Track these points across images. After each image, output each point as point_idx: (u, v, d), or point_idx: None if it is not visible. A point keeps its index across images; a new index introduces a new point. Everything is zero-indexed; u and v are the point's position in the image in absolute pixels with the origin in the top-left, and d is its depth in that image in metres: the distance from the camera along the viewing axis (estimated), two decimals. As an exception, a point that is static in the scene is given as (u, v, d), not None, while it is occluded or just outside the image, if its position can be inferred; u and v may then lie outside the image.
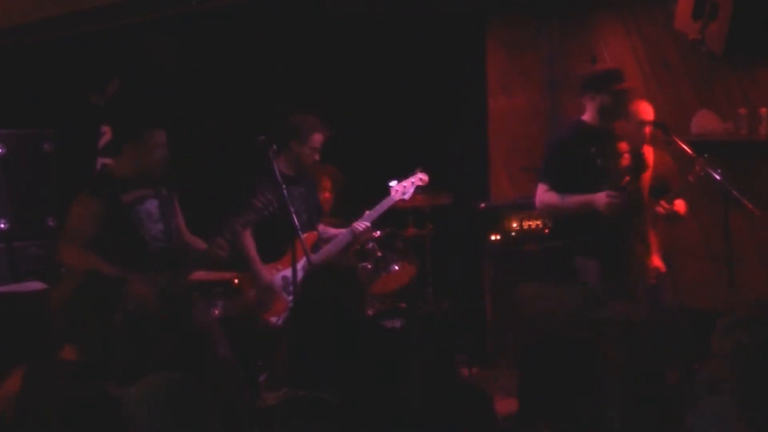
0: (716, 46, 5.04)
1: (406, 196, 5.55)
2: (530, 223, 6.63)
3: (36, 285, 5.71)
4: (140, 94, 7.05)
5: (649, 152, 5.48)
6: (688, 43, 5.59)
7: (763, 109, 6.10)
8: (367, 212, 5.60)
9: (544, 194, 4.94)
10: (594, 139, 4.98)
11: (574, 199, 4.88)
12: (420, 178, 5.59)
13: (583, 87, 5.02)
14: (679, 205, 5.40)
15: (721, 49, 4.99)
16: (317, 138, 5.38)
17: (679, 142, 5.31)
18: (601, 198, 4.79)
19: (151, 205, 4.58)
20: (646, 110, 5.41)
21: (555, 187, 4.93)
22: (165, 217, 4.61)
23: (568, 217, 4.95)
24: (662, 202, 5.30)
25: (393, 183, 5.62)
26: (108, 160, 7.07)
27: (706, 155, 5.19)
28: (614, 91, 4.95)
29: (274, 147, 5.07)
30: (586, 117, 5.05)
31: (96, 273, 4.23)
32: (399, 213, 6.21)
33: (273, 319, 5.27)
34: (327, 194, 6.15)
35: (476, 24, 7.32)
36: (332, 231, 5.69)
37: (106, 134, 7.17)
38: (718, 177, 5.04)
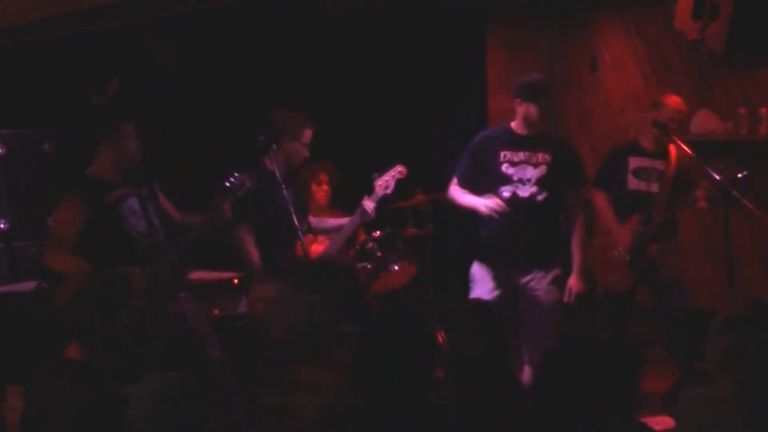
0: (716, 46, 5.04)
1: (389, 191, 5.47)
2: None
3: (36, 285, 5.71)
4: (140, 94, 7.05)
5: (673, 150, 5.42)
6: (688, 43, 5.59)
7: (763, 109, 6.10)
8: (366, 198, 5.54)
9: (451, 188, 5.14)
10: (510, 145, 5.00)
11: (467, 200, 5.05)
12: (399, 170, 5.50)
13: (515, 94, 5.05)
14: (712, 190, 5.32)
15: (721, 49, 4.99)
16: (308, 133, 5.31)
17: (679, 142, 5.30)
18: (483, 205, 4.91)
19: (133, 203, 4.61)
20: (681, 108, 5.38)
21: (463, 182, 5.11)
22: (147, 214, 4.64)
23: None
24: (703, 183, 5.22)
25: (375, 175, 5.53)
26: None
27: (733, 159, 5.17)
28: (539, 103, 4.97)
29: (274, 147, 5.05)
30: (513, 122, 5.08)
31: (101, 272, 4.23)
32: (399, 213, 6.20)
33: None
34: (325, 187, 6.14)
35: (476, 24, 7.32)
36: (330, 221, 5.61)
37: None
38: (717, 177, 5.03)
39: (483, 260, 5.10)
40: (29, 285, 5.70)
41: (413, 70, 7.04)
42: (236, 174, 4.69)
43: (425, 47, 7.01)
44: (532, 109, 4.95)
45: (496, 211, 4.86)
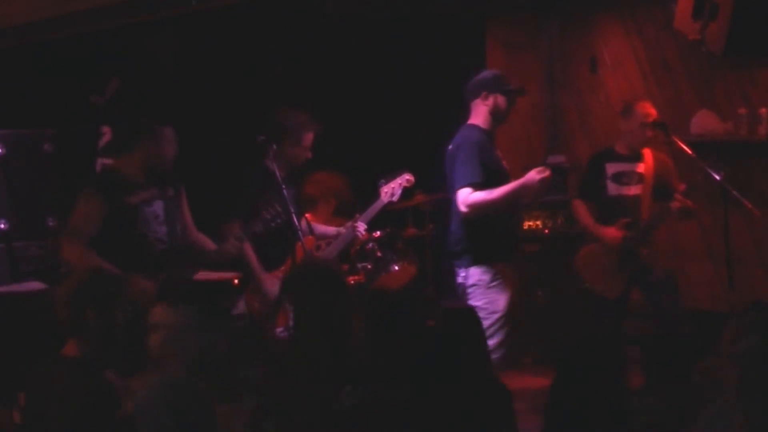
0: (716, 46, 5.04)
1: (395, 198, 5.47)
2: (530, 223, 6.63)
3: (36, 285, 5.71)
4: (140, 94, 7.05)
5: (648, 154, 5.51)
6: (688, 43, 5.59)
7: (763, 109, 6.10)
8: (357, 216, 5.56)
9: (470, 196, 4.71)
10: (492, 142, 4.97)
11: (506, 188, 4.72)
12: (407, 179, 5.50)
13: (480, 87, 4.87)
14: (689, 201, 5.35)
15: (721, 49, 5.00)
16: (309, 136, 5.31)
17: (679, 142, 5.31)
18: (532, 176, 4.67)
19: (158, 207, 4.58)
20: (649, 111, 5.41)
21: (477, 189, 4.73)
22: (169, 219, 4.61)
23: (495, 210, 4.76)
24: (677, 195, 5.27)
25: (382, 182, 5.55)
26: (108, 160, 7.07)
27: (713, 157, 5.17)
28: (508, 92, 4.87)
29: (274, 147, 5.05)
30: (478, 121, 4.90)
31: (98, 270, 4.23)
32: (399, 213, 6.20)
33: (278, 330, 5.21)
34: (333, 208, 6.08)
35: (476, 24, 7.33)
36: (320, 228, 5.63)
37: (106, 134, 7.16)
38: (717, 177, 5.04)
39: (494, 261, 4.81)
40: (30, 285, 5.71)
41: (413, 70, 7.04)
42: (275, 205, 4.74)
43: (425, 47, 7.01)
44: (502, 101, 4.84)
45: (547, 176, 4.67)
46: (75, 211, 4.54)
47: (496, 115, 4.88)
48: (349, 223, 5.48)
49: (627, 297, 5.51)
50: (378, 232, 5.94)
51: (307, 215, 5.60)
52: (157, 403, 2.64)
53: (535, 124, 7.31)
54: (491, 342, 4.62)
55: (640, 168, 5.47)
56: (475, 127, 4.91)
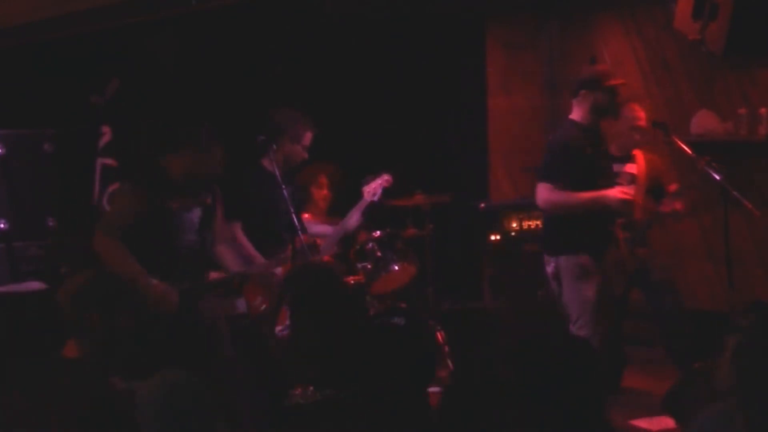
0: (716, 46, 5.04)
1: (376, 198, 5.56)
2: (530, 223, 6.63)
3: (36, 285, 5.71)
4: (140, 94, 7.05)
5: (639, 156, 5.53)
6: (688, 43, 5.60)
7: (763, 109, 6.10)
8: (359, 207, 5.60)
9: (550, 193, 4.94)
10: (588, 139, 5.04)
11: (586, 196, 4.93)
12: (386, 179, 5.59)
13: (579, 85, 5.06)
14: (678, 204, 5.41)
15: (721, 49, 5.00)
16: (308, 135, 5.31)
17: (679, 142, 5.31)
18: (614, 193, 4.93)
19: (195, 215, 4.51)
20: (639, 114, 5.45)
21: (559, 186, 4.94)
22: (203, 228, 4.55)
23: (573, 213, 4.99)
24: (665, 201, 5.32)
25: (363, 182, 5.63)
26: (108, 160, 7.08)
27: (707, 157, 5.18)
28: (608, 88, 5.02)
29: (274, 147, 5.05)
30: (577, 117, 5.08)
31: (106, 273, 4.20)
32: (399, 213, 6.20)
33: (278, 329, 5.19)
34: (325, 192, 6.12)
35: (476, 24, 7.33)
36: (316, 228, 5.64)
37: (106, 134, 7.17)
38: (717, 177, 5.04)
39: (579, 252, 5.03)
40: (30, 285, 5.71)
41: (413, 70, 7.04)
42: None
43: (425, 47, 7.02)
44: (601, 97, 5.01)
45: (628, 198, 4.96)
46: (115, 201, 4.53)
47: (596, 111, 5.03)
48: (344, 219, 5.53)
49: (627, 297, 5.51)
50: (378, 232, 5.95)
51: (304, 215, 5.60)
52: (157, 403, 2.64)
53: (535, 124, 7.30)
54: (582, 333, 4.88)
55: (632, 168, 5.50)
56: (573, 123, 5.08)
